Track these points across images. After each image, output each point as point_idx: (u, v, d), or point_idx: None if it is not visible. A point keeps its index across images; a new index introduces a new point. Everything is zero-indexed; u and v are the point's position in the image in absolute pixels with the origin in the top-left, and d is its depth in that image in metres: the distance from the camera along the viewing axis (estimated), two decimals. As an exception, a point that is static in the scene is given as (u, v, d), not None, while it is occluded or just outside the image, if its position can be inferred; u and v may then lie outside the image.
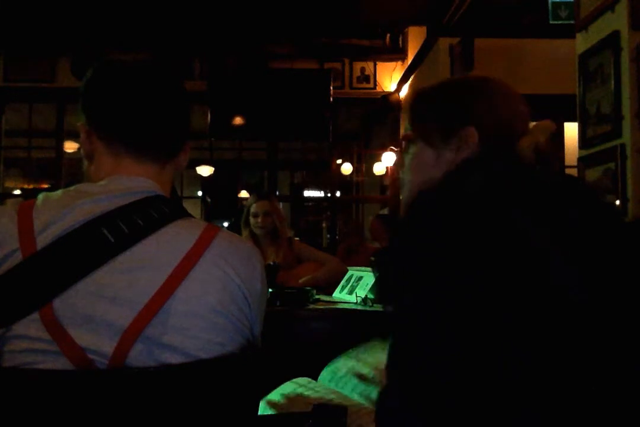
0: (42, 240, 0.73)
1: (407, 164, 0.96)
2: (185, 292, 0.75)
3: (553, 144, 0.90)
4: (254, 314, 0.83)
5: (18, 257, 0.72)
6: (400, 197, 1.01)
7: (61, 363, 0.70)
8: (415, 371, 0.75)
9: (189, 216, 0.84)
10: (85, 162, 0.89)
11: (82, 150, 0.89)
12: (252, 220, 2.82)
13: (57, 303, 0.71)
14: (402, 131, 5.51)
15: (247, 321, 0.82)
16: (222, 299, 0.78)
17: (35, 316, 0.70)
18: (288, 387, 1.40)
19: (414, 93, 0.99)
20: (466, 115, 0.89)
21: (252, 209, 2.82)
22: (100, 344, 0.71)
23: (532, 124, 0.94)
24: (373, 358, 1.46)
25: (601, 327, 0.73)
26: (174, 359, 0.74)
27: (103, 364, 0.71)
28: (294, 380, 1.44)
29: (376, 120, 6.64)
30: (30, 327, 0.70)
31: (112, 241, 0.74)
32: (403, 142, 0.98)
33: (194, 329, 0.75)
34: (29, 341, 0.70)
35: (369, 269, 2.42)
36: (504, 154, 0.88)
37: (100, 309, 0.72)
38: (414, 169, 0.95)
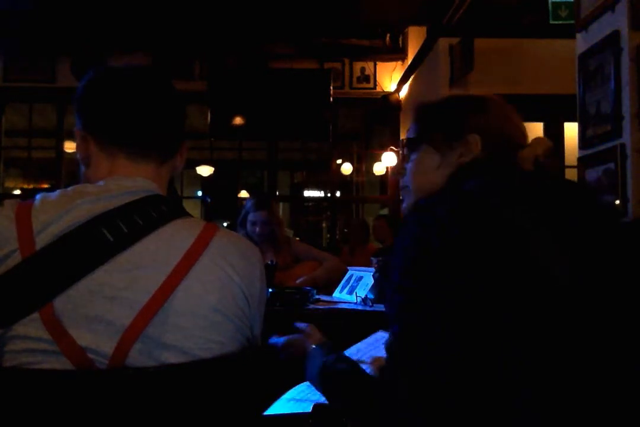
0: (41, 240, 0.73)
1: (410, 170, 1.00)
2: (185, 291, 0.75)
3: (552, 159, 0.94)
4: (254, 312, 0.84)
5: (17, 257, 0.72)
6: (403, 206, 1.04)
7: (61, 363, 0.70)
8: (415, 370, 0.75)
9: (188, 215, 0.84)
10: (82, 167, 0.90)
11: (78, 155, 0.89)
12: (249, 226, 2.80)
13: (58, 303, 0.71)
14: (402, 135, 5.51)
15: (247, 319, 0.82)
16: (222, 298, 0.78)
17: (36, 315, 0.70)
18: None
19: (421, 102, 1.04)
20: (472, 123, 0.94)
21: (250, 217, 2.80)
22: (100, 344, 0.71)
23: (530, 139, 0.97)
24: (371, 354, 1.46)
25: (600, 324, 0.73)
26: (174, 358, 0.74)
27: (103, 364, 0.71)
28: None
29: (376, 120, 6.64)
30: (30, 327, 0.70)
31: (112, 240, 0.74)
32: (404, 150, 1.02)
33: (194, 328, 0.75)
34: (29, 341, 0.70)
35: (369, 269, 2.42)
36: (503, 161, 0.92)
37: (100, 308, 0.72)
38: (416, 174, 0.99)
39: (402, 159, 1.05)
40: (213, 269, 0.78)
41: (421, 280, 0.76)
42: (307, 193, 10.16)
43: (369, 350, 1.46)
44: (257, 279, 0.84)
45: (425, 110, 1.02)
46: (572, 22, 2.84)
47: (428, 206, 0.81)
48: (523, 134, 0.98)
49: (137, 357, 0.72)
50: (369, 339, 1.53)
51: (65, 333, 0.70)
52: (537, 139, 0.96)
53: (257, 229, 2.76)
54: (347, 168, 7.26)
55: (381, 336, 1.52)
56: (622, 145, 2.35)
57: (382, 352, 1.41)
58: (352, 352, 1.49)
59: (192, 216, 0.86)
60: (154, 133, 0.87)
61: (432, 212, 0.79)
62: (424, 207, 0.81)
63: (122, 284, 0.73)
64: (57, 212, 0.75)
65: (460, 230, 0.75)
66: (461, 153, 0.93)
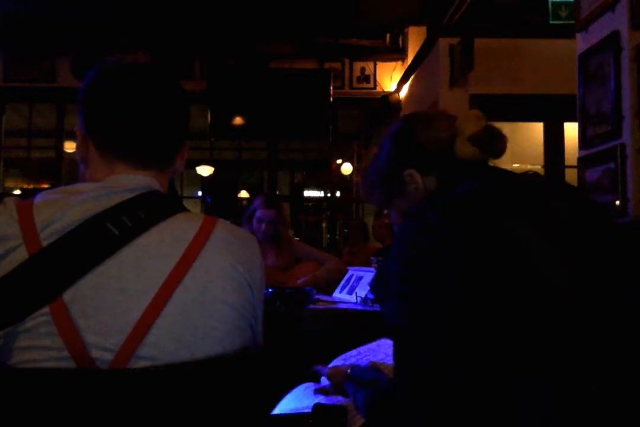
0: (46, 237, 0.73)
1: (395, 220, 1.06)
2: (192, 280, 0.76)
3: (489, 130, 0.93)
4: (257, 298, 0.85)
5: (22, 252, 0.72)
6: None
7: (64, 361, 0.70)
8: (415, 374, 0.75)
9: (187, 211, 0.85)
10: (81, 166, 0.90)
11: (77, 154, 0.89)
12: (255, 224, 2.80)
13: (67, 296, 0.71)
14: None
15: (251, 307, 0.83)
16: (228, 287, 0.79)
17: (46, 310, 0.70)
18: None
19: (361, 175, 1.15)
20: (397, 165, 0.98)
21: (258, 214, 2.80)
22: (109, 337, 0.71)
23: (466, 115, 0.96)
24: (374, 357, 1.46)
25: (596, 325, 0.73)
26: (183, 349, 0.74)
27: (106, 362, 0.71)
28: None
29: (376, 120, 6.64)
30: (40, 321, 0.70)
31: (117, 234, 0.75)
32: (388, 214, 1.12)
33: (202, 317, 0.76)
34: (36, 337, 0.70)
35: (369, 269, 2.42)
36: (459, 164, 0.93)
37: (110, 300, 0.72)
38: (400, 216, 1.04)
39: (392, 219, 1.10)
40: (217, 259, 0.79)
41: (417, 284, 0.76)
42: (307, 193, 10.16)
43: (370, 354, 1.47)
44: (257, 268, 0.85)
45: (361, 187, 1.11)
46: (572, 22, 2.85)
47: (420, 211, 0.81)
48: (445, 130, 0.96)
49: (145, 349, 0.72)
50: (372, 345, 1.54)
51: (72, 329, 0.70)
52: (463, 119, 0.94)
53: (263, 227, 2.76)
54: (347, 168, 7.25)
55: (384, 342, 1.53)
56: (622, 145, 2.35)
57: (382, 358, 1.41)
58: (352, 354, 1.49)
59: (191, 212, 0.86)
60: (156, 144, 0.87)
61: (424, 217, 0.79)
62: (416, 212, 0.82)
63: (130, 276, 0.74)
64: (59, 210, 0.75)
65: (453, 232, 0.75)
66: (414, 188, 0.97)
